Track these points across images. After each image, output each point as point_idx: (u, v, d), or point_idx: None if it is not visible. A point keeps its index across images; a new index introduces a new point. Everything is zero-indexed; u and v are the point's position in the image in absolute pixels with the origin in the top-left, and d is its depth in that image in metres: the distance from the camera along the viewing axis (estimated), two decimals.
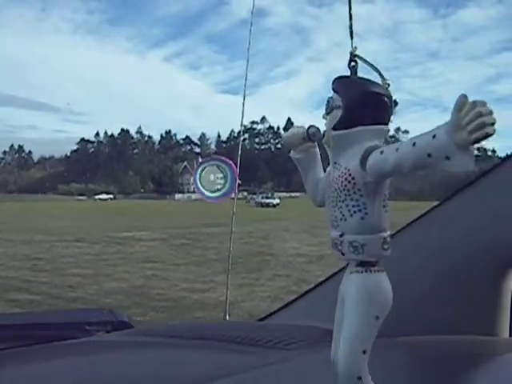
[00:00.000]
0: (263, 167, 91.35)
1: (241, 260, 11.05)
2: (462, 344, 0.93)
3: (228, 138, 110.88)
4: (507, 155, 1.01)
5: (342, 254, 0.50)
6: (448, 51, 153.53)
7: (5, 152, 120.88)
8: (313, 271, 9.96)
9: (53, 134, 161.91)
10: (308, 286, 1.33)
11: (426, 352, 0.87)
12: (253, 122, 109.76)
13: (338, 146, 0.51)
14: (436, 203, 1.10)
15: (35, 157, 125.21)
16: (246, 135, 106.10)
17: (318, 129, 0.55)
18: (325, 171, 0.57)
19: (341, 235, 0.50)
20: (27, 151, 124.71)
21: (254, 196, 54.69)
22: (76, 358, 0.93)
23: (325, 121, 0.53)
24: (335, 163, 0.51)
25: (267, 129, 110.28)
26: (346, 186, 0.49)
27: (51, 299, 7.84)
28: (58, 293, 8.34)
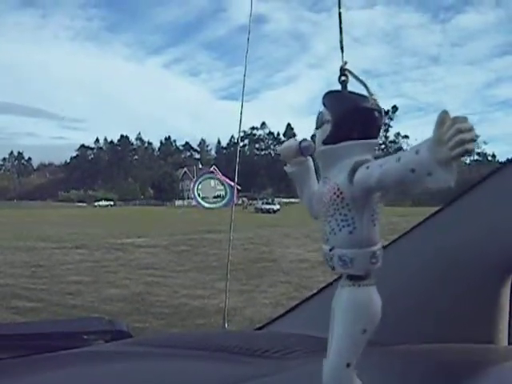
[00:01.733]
0: (263, 173, 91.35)
1: (241, 266, 11.06)
2: (460, 352, 0.92)
3: (228, 143, 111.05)
4: (507, 160, 1.01)
5: (333, 268, 0.51)
6: (448, 56, 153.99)
7: (4, 159, 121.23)
8: (314, 277, 9.95)
9: (52, 140, 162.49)
10: (309, 292, 1.33)
11: (423, 360, 0.87)
12: (253, 128, 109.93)
13: (327, 160, 0.51)
14: (436, 208, 1.10)
15: (35, 163, 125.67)
16: (246, 141, 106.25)
17: (310, 142, 0.56)
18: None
19: (331, 249, 0.50)
20: (27, 158, 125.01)
21: (255, 202, 54.71)
22: (75, 369, 0.93)
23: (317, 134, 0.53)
24: (325, 178, 0.52)
25: (267, 134, 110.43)
26: (334, 200, 0.49)
27: (51, 306, 7.84)
28: (57, 300, 8.33)
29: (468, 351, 0.93)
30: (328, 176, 0.51)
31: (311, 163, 0.59)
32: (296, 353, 0.89)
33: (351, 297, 0.50)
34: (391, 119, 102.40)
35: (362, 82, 0.51)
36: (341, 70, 0.52)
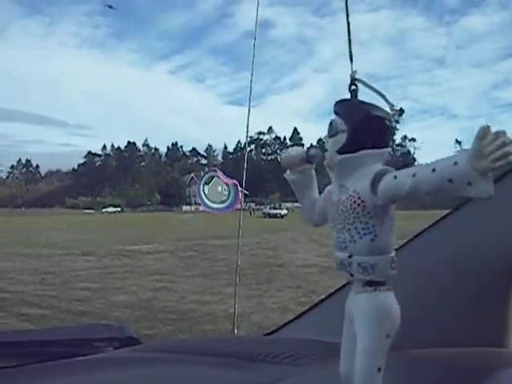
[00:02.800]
0: (270, 178, 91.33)
1: (250, 271, 11.03)
2: (472, 356, 0.92)
3: (235, 149, 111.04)
4: None
5: (351, 274, 0.51)
6: (453, 58, 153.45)
7: (12, 166, 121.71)
8: (322, 282, 9.92)
9: (60, 147, 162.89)
10: (318, 297, 1.33)
11: (436, 365, 0.86)
12: (259, 133, 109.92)
13: (343, 169, 0.52)
14: (445, 212, 1.10)
15: (42, 171, 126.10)
16: (253, 146, 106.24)
17: (318, 150, 0.56)
18: (319, 191, 0.58)
19: (349, 256, 0.51)
20: (34, 165, 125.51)
21: (262, 207, 54.73)
22: (86, 376, 0.93)
23: (328, 142, 0.53)
24: (341, 186, 0.52)
25: (274, 139, 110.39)
26: (355, 208, 0.50)
27: (60, 313, 7.85)
28: (66, 306, 8.35)
29: (480, 355, 0.93)
30: (345, 184, 0.52)
31: (313, 171, 0.59)
32: (305, 358, 0.89)
33: (373, 302, 0.50)
34: (398, 122, 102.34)
35: (377, 91, 0.52)
36: (351, 78, 0.53)
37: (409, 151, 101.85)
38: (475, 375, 0.78)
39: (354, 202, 0.50)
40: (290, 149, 0.61)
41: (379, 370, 0.50)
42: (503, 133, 0.40)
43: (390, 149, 0.52)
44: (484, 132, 0.41)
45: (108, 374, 0.93)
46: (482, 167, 0.41)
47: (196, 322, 7.37)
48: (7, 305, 8.27)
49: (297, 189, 0.60)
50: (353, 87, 0.53)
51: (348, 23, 0.53)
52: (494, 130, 0.41)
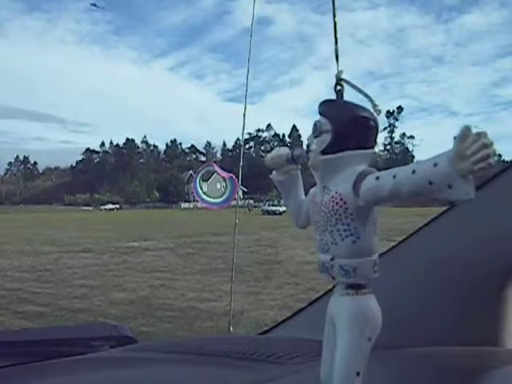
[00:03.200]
0: (269, 175, 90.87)
1: (248, 268, 11.05)
2: (465, 355, 0.92)
3: (234, 146, 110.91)
4: (510, 162, 1.01)
5: (333, 277, 0.51)
6: (452, 56, 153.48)
7: (10, 163, 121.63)
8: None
9: (58, 144, 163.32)
10: (316, 293, 1.32)
11: (428, 363, 0.86)
12: (258, 130, 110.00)
13: (327, 170, 0.51)
14: (441, 210, 1.10)
15: (41, 168, 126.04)
16: (252, 143, 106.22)
17: (303, 151, 0.55)
18: (305, 192, 0.57)
19: (331, 259, 0.50)
20: (32, 162, 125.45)
21: (260, 204, 54.78)
22: (82, 375, 0.93)
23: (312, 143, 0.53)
24: (324, 187, 0.51)
25: (273, 136, 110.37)
26: (337, 210, 0.49)
27: (58, 310, 7.84)
28: (64, 304, 8.34)
29: (473, 354, 0.93)
30: (328, 185, 0.51)
31: (299, 172, 0.59)
32: (300, 357, 0.89)
33: (355, 306, 0.50)
34: (396, 120, 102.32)
35: (363, 92, 0.52)
36: (336, 79, 0.52)
37: (407, 148, 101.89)
38: (467, 374, 0.78)
39: (337, 203, 0.49)
40: (275, 149, 0.60)
41: (358, 374, 0.49)
42: (484, 134, 0.40)
43: (375, 150, 0.51)
44: (465, 133, 0.40)
45: (104, 373, 0.93)
46: (462, 169, 0.40)
47: (195, 319, 7.37)
48: (4, 302, 8.27)
49: (282, 190, 0.60)
50: (338, 87, 0.53)
51: (335, 22, 0.53)
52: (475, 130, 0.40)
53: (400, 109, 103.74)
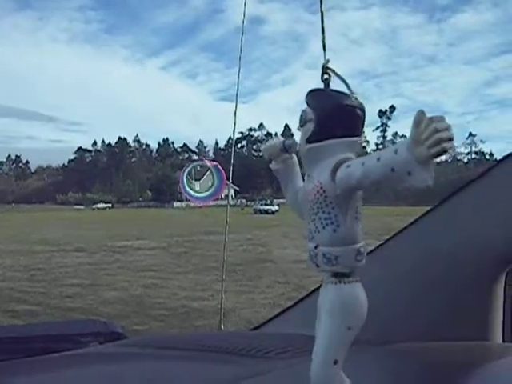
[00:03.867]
0: (261, 174, 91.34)
1: (240, 267, 11.06)
2: (454, 350, 0.92)
3: (226, 145, 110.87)
4: (500, 159, 1.01)
5: (317, 265, 0.51)
6: (445, 55, 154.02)
7: (2, 162, 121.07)
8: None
9: (50, 143, 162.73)
10: (307, 292, 1.33)
11: (417, 359, 0.87)
12: (250, 129, 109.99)
13: (311, 158, 0.52)
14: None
15: (33, 167, 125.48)
16: (244, 142, 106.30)
17: (294, 140, 0.56)
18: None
19: (315, 247, 0.50)
20: (24, 161, 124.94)
21: (253, 203, 54.90)
22: (69, 371, 0.93)
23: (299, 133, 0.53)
24: (309, 176, 0.52)
25: (265, 135, 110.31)
26: (318, 198, 0.49)
27: (49, 309, 7.84)
28: (56, 303, 8.34)
29: (462, 349, 0.93)
30: (311, 174, 0.51)
31: (296, 161, 0.59)
32: (289, 352, 0.89)
33: (336, 294, 0.50)
34: (389, 119, 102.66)
35: (343, 80, 0.51)
36: (323, 68, 0.52)
37: None
38: (456, 369, 0.78)
39: (317, 191, 0.49)
40: (269, 140, 0.60)
41: (335, 362, 0.49)
42: (438, 118, 0.40)
43: (360, 138, 0.51)
44: (419, 118, 0.40)
45: (93, 369, 0.92)
46: (419, 155, 0.40)
47: (187, 317, 7.39)
48: None
49: (280, 178, 0.60)
50: (325, 76, 0.53)
51: (321, 11, 0.53)
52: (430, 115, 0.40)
53: (392, 108, 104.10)
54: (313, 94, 0.52)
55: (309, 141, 0.51)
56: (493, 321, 1.01)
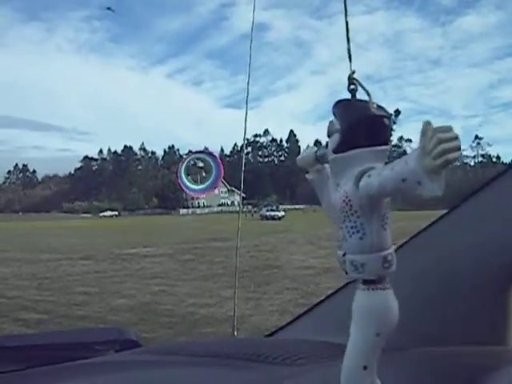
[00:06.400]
0: (267, 180, 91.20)
1: (247, 274, 11.03)
2: (472, 355, 0.92)
3: (231, 151, 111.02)
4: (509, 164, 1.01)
5: (346, 272, 0.52)
6: (449, 59, 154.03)
7: (9, 172, 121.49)
8: (320, 283, 9.93)
9: (57, 152, 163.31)
10: (316, 298, 1.33)
11: (434, 364, 0.87)
12: (256, 135, 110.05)
13: (337, 168, 0.52)
14: (443, 212, 1.10)
15: (39, 176, 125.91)
16: (249, 148, 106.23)
17: (326, 150, 0.56)
18: None
19: (343, 255, 0.51)
20: (31, 170, 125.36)
21: (258, 209, 54.86)
22: (87, 379, 0.93)
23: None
24: (337, 185, 0.52)
25: (270, 141, 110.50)
26: (344, 207, 0.50)
27: (58, 318, 7.83)
28: (64, 311, 8.33)
29: (477, 354, 0.93)
30: (339, 183, 0.52)
31: (329, 170, 0.59)
32: (305, 358, 0.89)
33: (365, 300, 0.51)
34: (394, 123, 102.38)
35: (366, 90, 0.52)
36: (349, 78, 0.53)
37: (405, 152, 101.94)
38: (473, 373, 0.78)
39: (343, 201, 0.50)
40: (303, 150, 0.62)
41: (365, 368, 0.50)
42: (444, 128, 0.40)
43: (387, 147, 0.51)
44: (424, 129, 0.40)
45: (109, 377, 0.92)
46: (427, 165, 0.40)
47: (195, 324, 7.36)
48: (5, 310, 8.25)
49: (315, 188, 0.61)
50: (352, 87, 0.53)
51: (347, 21, 0.53)
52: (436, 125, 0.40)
53: (397, 112, 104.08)
54: (339, 105, 0.53)
55: (335, 151, 0.52)
56: (506, 325, 1.01)
